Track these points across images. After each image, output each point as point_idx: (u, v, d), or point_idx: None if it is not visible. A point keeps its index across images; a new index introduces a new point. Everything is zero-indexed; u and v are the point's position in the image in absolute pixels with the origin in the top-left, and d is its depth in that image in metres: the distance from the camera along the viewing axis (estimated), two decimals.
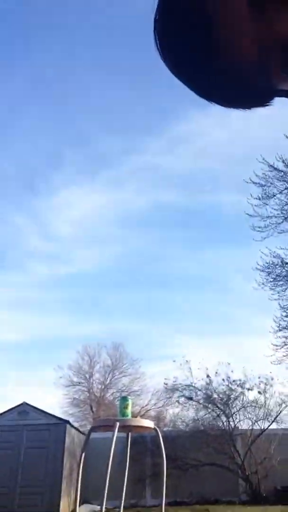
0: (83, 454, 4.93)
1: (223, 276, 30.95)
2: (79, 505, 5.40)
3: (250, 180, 12.13)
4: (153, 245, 29.79)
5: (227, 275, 30.86)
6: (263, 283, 12.16)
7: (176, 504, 8.92)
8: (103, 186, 27.18)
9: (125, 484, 5.19)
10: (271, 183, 12.21)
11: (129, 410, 4.78)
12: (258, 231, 12.08)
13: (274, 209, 12.21)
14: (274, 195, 12.26)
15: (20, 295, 30.16)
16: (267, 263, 12.28)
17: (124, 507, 5.24)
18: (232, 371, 12.18)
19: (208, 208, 26.60)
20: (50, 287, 30.39)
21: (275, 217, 12.18)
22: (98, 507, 4.93)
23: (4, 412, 10.78)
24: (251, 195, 12.18)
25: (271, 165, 12.09)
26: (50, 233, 28.70)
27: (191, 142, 23.39)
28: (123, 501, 5.19)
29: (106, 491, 4.20)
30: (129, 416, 4.74)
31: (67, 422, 11.12)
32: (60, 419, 11.19)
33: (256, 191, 12.24)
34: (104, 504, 4.24)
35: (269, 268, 12.29)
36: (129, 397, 5.34)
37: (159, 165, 24.54)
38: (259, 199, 12.19)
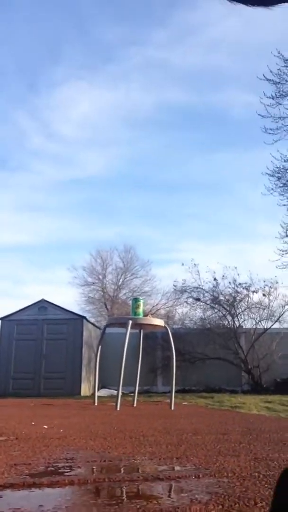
0: (100, 347, 5.43)
1: (231, 181, 30.46)
2: (98, 389, 6.06)
3: (264, 76, 11.39)
4: (161, 148, 28.97)
5: (235, 179, 30.26)
6: (272, 189, 11.99)
7: (184, 392, 9.84)
8: (106, 82, 25.65)
9: (138, 372, 5.76)
10: (286, 80, 11.50)
11: (141, 310, 5.15)
12: (270, 133, 11.58)
13: None
14: None
15: (29, 197, 30.32)
16: (277, 167, 11.96)
17: (138, 392, 5.89)
18: (238, 275, 12.64)
19: (218, 108, 25.32)
20: (59, 190, 30.38)
21: None
22: (115, 391, 5.52)
23: (25, 308, 11.54)
24: (264, 94, 11.51)
25: (287, 60, 11.31)
26: (54, 133, 27.71)
27: (200, 33, 21.33)
28: (137, 387, 5.81)
29: (122, 377, 4.72)
30: (141, 315, 5.12)
31: (84, 317, 11.89)
32: (77, 314, 11.93)
33: (270, 89, 11.56)
34: (121, 388, 4.78)
35: (279, 173, 12.01)
36: (140, 298, 5.67)
37: (166, 59, 22.71)
38: (272, 98, 11.53)
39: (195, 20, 19.35)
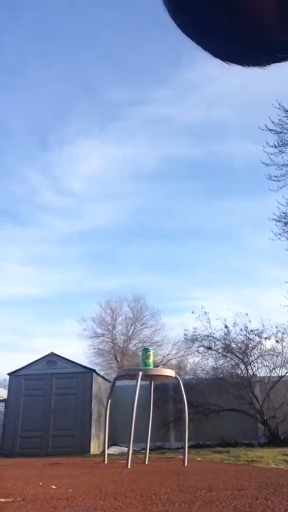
0: (109, 401, 5.30)
1: (238, 228, 30.83)
2: (108, 447, 5.86)
3: (266, 127, 11.84)
4: (166, 198, 29.64)
5: (242, 226, 30.64)
6: (279, 234, 12.17)
7: (198, 447, 9.46)
8: (113, 140, 26.72)
9: (149, 427, 5.58)
10: (287, 130, 11.94)
11: (151, 360, 5.06)
12: (274, 180, 11.91)
13: None
14: None
15: (39, 251, 30.80)
16: (283, 213, 12.21)
17: (149, 448, 5.67)
18: (249, 321, 12.44)
19: (221, 158, 26.10)
20: (68, 243, 30.89)
21: None
22: (126, 449, 5.34)
23: (34, 362, 11.37)
24: (267, 143, 11.94)
25: (287, 110, 11.75)
26: (63, 188, 28.73)
27: (201, 90, 22.51)
28: (148, 443, 5.61)
29: (132, 433, 4.57)
30: (151, 366, 5.03)
31: (93, 370, 11.67)
32: (86, 368, 11.71)
33: (272, 139, 11.99)
34: (131, 444, 4.62)
35: (285, 218, 12.23)
36: (150, 348, 5.58)
37: (169, 115, 23.86)
38: (275, 146, 11.95)
39: (196, 77, 20.41)
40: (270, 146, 11.94)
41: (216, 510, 1.79)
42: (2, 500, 2.19)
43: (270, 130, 11.86)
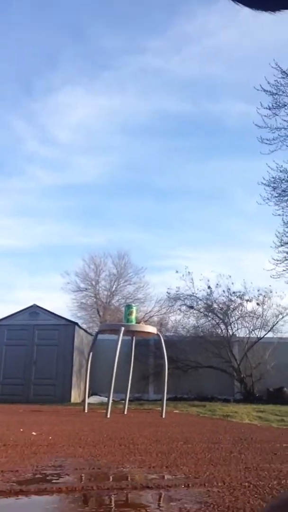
0: (91, 353, 5.39)
1: (226, 189, 30.62)
2: (89, 396, 6.02)
3: (261, 87, 11.52)
4: (156, 155, 29.09)
5: (231, 188, 30.42)
6: (267, 198, 12.10)
7: (176, 400, 9.78)
8: (103, 89, 25.79)
9: (129, 379, 5.73)
10: (283, 92, 11.61)
11: (133, 317, 5.13)
12: (266, 143, 11.69)
13: (285, 120, 11.71)
14: (286, 105, 11.72)
15: (24, 202, 30.27)
16: (273, 177, 12.10)
17: (129, 399, 5.84)
18: (232, 283, 12.62)
19: (214, 117, 25.51)
20: (54, 195, 30.35)
21: (285, 129, 11.73)
22: (106, 399, 5.47)
23: (17, 313, 11.45)
24: (261, 104, 11.63)
25: (284, 71, 11.40)
26: (49, 138, 27.72)
27: (196, 43, 21.51)
28: (128, 394, 5.77)
29: (113, 384, 4.68)
30: (133, 322, 5.10)
31: (76, 323, 11.82)
32: (69, 320, 11.85)
33: (266, 100, 11.68)
34: (112, 395, 4.74)
35: (275, 183, 12.12)
36: (133, 304, 5.64)
37: (163, 67, 22.90)
38: (269, 108, 11.65)
39: (192, 29, 19.53)
40: (264, 108, 11.67)
41: (192, 462, 1.85)
42: None
43: (265, 91, 11.54)
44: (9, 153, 27.61)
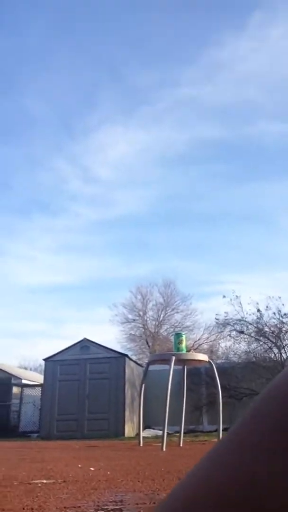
0: (143, 385, 5.37)
1: (270, 211, 30.22)
2: (143, 430, 5.95)
3: None
4: (196, 183, 29.27)
5: (274, 209, 30.01)
6: None
7: None
8: (140, 124, 26.48)
9: (183, 411, 5.64)
10: None
11: (183, 345, 5.09)
12: None
13: None
14: None
15: (70, 239, 31.09)
16: None
17: (183, 431, 5.73)
18: (283, 305, 12.28)
19: (251, 139, 25.49)
20: (98, 231, 31.05)
21: None
22: (160, 432, 5.41)
23: (68, 348, 11.60)
24: None
25: None
26: (91, 176, 28.78)
27: (229, 69, 21.90)
28: (182, 426, 5.67)
29: (167, 416, 4.63)
30: (184, 351, 5.06)
31: (126, 355, 11.81)
32: (119, 353, 11.86)
33: None
34: (166, 428, 4.68)
35: None
36: (182, 333, 5.61)
37: (197, 96, 23.35)
38: None
39: (224, 56, 19.89)
40: None
41: None
42: (45, 481, 2.27)
43: None
44: (55, 193, 28.73)
